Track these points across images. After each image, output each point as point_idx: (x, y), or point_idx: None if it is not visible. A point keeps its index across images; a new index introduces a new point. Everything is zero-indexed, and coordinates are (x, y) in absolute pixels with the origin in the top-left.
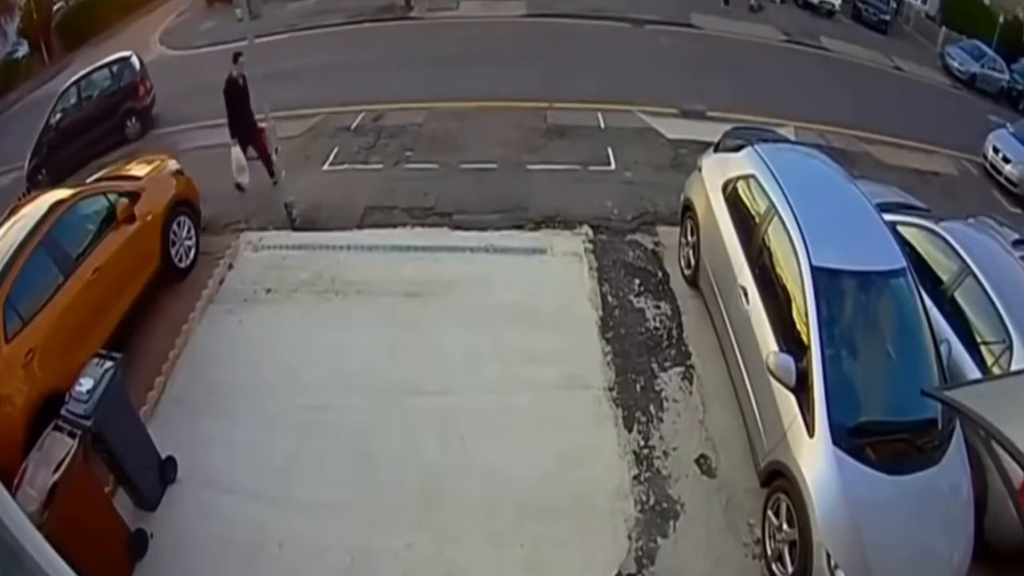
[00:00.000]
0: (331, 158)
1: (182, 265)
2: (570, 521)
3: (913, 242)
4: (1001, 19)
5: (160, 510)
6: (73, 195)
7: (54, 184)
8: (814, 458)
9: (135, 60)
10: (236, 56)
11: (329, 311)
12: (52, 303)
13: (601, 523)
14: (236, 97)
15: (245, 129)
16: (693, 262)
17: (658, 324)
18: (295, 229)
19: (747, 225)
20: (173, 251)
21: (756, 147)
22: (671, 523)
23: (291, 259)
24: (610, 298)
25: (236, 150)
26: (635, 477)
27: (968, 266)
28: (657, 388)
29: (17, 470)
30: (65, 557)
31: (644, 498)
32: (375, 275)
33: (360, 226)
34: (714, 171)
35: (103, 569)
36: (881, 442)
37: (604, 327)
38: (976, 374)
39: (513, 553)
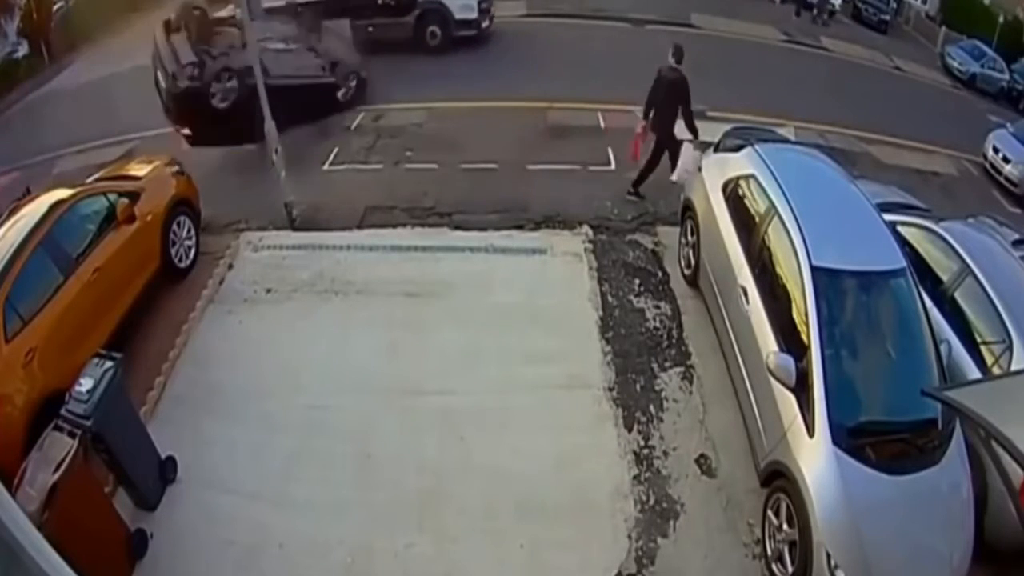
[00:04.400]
0: (331, 158)
1: (182, 265)
2: (570, 521)
3: (913, 242)
4: (1001, 19)
5: (160, 510)
6: (73, 195)
7: None
8: (814, 458)
9: None
10: (680, 51)
11: (329, 311)
12: (52, 303)
13: (601, 523)
14: (686, 97)
15: (670, 130)
16: (693, 262)
17: (658, 324)
18: (295, 229)
19: (747, 225)
20: (173, 251)
21: (756, 147)
22: (671, 523)
23: (291, 259)
24: (610, 298)
25: (696, 153)
26: (635, 477)
27: (968, 266)
28: (657, 388)
29: (17, 470)
30: (65, 557)
31: (644, 498)
32: (375, 275)
33: (360, 226)
34: (714, 171)
35: (103, 569)
36: (881, 442)
37: (604, 327)
38: (976, 374)
39: (513, 553)
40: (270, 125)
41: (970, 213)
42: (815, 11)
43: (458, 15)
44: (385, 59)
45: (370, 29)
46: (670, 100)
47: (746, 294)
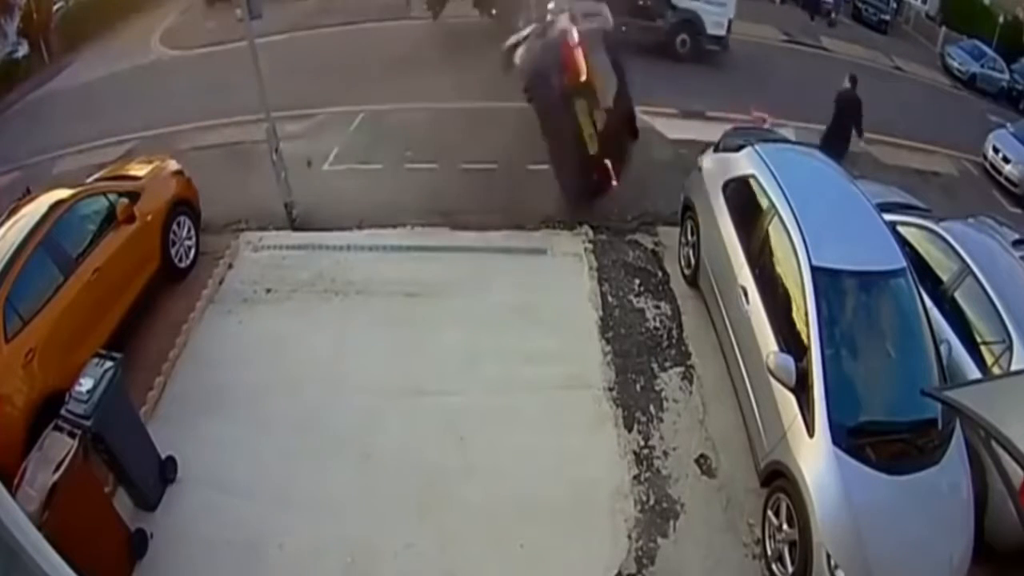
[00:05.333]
0: (331, 158)
1: (182, 265)
2: (570, 521)
3: (913, 242)
4: (1001, 19)
5: (160, 510)
6: (73, 195)
7: None
8: (814, 458)
9: None
10: (855, 79)
11: (329, 311)
12: (52, 303)
13: (601, 523)
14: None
15: (842, 137)
16: (693, 262)
17: (658, 324)
18: (295, 229)
19: (747, 225)
20: (173, 251)
21: (756, 147)
22: (671, 523)
23: (291, 259)
24: (610, 298)
25: None
26: (635, 477)
27: (968, 266)
28: (657, 388)
29: (17, 470)
30: (65, 557)
31: (644, 498)
32: (375, 275)
33: (360, 226)
34: (714, 171)
35: (103, 569)
36: (881, 442)
37: (604, 327)
38: (976, 374)
39: (513, 553)
40: (272, 124)
41: (970, 213)
42: (831, 13)
43: (710, 30)
44: None
45: (623, 28)
46: (846, 115)
47: (746, 294)
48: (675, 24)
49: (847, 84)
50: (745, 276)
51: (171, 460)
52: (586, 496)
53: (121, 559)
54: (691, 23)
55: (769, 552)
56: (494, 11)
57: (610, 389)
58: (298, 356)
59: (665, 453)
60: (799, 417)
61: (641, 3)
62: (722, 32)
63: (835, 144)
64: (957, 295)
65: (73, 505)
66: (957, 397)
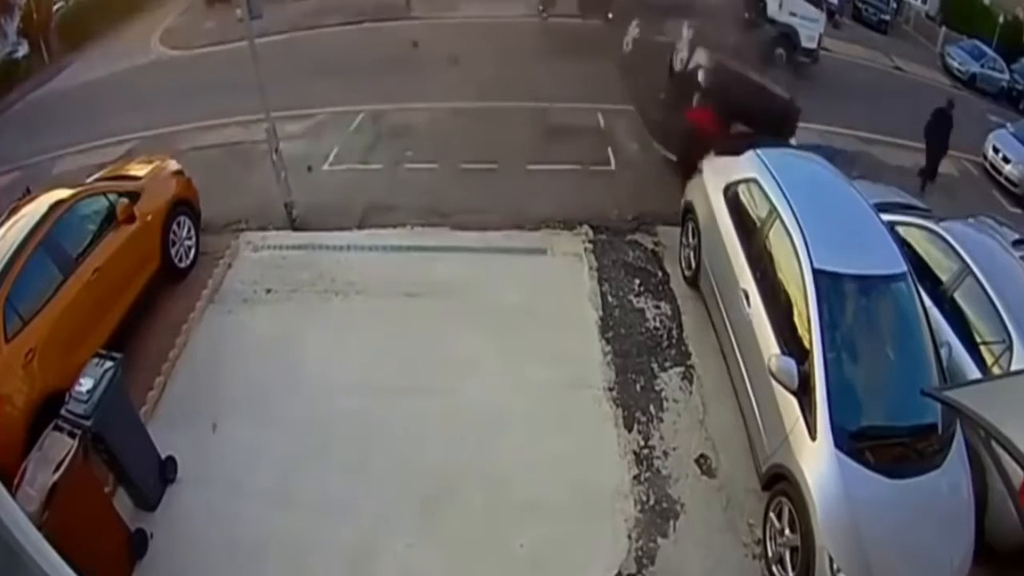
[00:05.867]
0: (331, 158)
1: (182, 265)
2: (570, 521)
3: (913, 242)
4: (1001, 19)
5: (160, 510)
6: (73, 195)
7: None
8: (816, 461)
9: None
10: (952, 103)
11: (329, 311)
12: (52, 303)
13: (601, 523)
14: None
15: (938, 145)
16: (694, 264)
17: (658, 324)
18: (295, 229)
19: (749, 228)
20: (173, 251)
21: (758, 150)
22: (671, 523)
23: (291, 259)
24: (610, 298)
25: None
26: (635, 477)
27: (968, 266)
28: (657, 388)
29: (17, 470)
30: (65, 557)
31: (644, 498)
32: (375, 275)
33: (360, 226)
34: (716, 174)
35: (103, 569)
36: (883, 446)
37: (604, 327)
38: (976, 374)
39: (513, 553)
40: (270, 125)
41: (970, 213)
42: (835, 15)
43: (804, 43)
44: None
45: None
46: (943, 126)
47: (747, 297)
48: (773, 38)
49: (945, 105)
50: (747, 279)
51: (171, 460)
52: (586, 496)
53: (121, 559)
54: (788, 37)
55: (770, 554)
56: (610, 15)
57: (610, 389)
58: (298, 356)
59: (665, 453)
60: (801, 420)
61: (747, 17)
62: (813, 45)
63: (935, 153)
64: (957, 295)
65: (73, 505)
66: (957, 397)
